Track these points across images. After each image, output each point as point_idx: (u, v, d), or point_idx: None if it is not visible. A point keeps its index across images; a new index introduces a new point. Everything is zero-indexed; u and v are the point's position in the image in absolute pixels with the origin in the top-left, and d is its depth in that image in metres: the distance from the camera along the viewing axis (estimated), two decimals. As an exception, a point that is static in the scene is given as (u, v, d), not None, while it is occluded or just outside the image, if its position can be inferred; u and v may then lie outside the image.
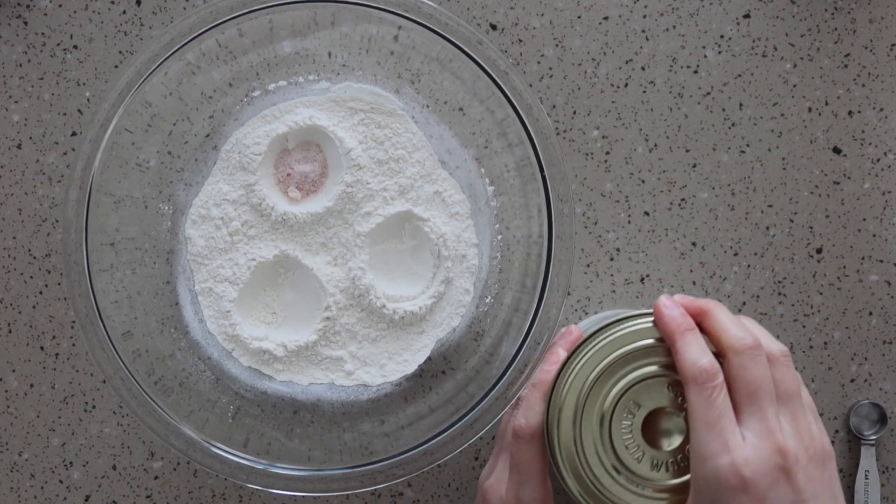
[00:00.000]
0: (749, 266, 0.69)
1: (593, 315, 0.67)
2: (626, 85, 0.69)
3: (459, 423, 0.57)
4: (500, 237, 0.63)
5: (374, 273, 0.62)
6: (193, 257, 0.62)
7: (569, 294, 0.69)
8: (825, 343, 0.69)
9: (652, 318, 0.56)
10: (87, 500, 0.70)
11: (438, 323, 0.63)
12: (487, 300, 0.63)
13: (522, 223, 0.60)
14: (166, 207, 0.63)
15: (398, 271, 0.64)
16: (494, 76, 0.57)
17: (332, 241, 0.62)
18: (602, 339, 0.55)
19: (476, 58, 0.57)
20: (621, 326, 0.56)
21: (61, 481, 0.69)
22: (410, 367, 0.63)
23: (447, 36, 0.57)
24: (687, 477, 0.54)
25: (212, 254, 0.62)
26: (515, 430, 0.56)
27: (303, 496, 0.69)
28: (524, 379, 0.57)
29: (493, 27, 0.69)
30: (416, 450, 0.57)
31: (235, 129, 0.63)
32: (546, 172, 0.57)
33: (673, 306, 0.55)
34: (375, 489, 0.69)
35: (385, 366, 0.63)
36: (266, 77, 0.63)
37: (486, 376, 0.58)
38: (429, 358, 0.63)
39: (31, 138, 0.69)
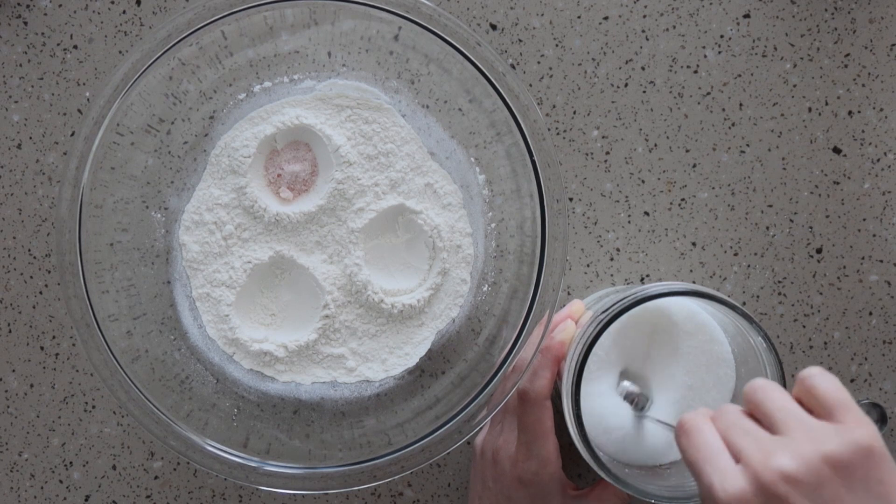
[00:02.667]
0: (749, 266, 0.69)
1: (596, 292, 0.67)
2: (626, 85, 0.69)
3: (458, 418, 0.57)
4: (493, 225, 0.63)
5: (370, 268, 0.62)
6: (189, 263, 0.62)
7: (569, 294, 0.69)
8: (825, 343, 0.69)
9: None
10: (87, 500, 0.70)
11: (437, 314, 0.63)
12: (485, 289, 0.63)
13: (515, 210, 0.60)
14: (159, 215, 0.63)
15: (394, 265, 0.64)
16: (491, 78, 0.57)
17: (327, 239, 0.62)
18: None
19: (474, 59, 0.57)
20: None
21: (61, 481, 0.69)
22: (412, 361, 0.63)
23: (445, 37, 0.57)
24: None
25: (207, 259, 0.62)
26: (521, 394, 0.58)
27: (302, 494, 0.69)
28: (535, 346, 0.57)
29: (493, 27, 0.69)
30: (415, 445, 0.57)
31: (223, 132, 0.63)
32: (541, 175, 0.57)
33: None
34: (375, 487, 0.69)
35: (387, 360, 0.63)
36: (251, 78, 0.63)
37: (486, 366, 0.59)
38: (430, 350, 0.63)
39: (31, 138, 0.69)
